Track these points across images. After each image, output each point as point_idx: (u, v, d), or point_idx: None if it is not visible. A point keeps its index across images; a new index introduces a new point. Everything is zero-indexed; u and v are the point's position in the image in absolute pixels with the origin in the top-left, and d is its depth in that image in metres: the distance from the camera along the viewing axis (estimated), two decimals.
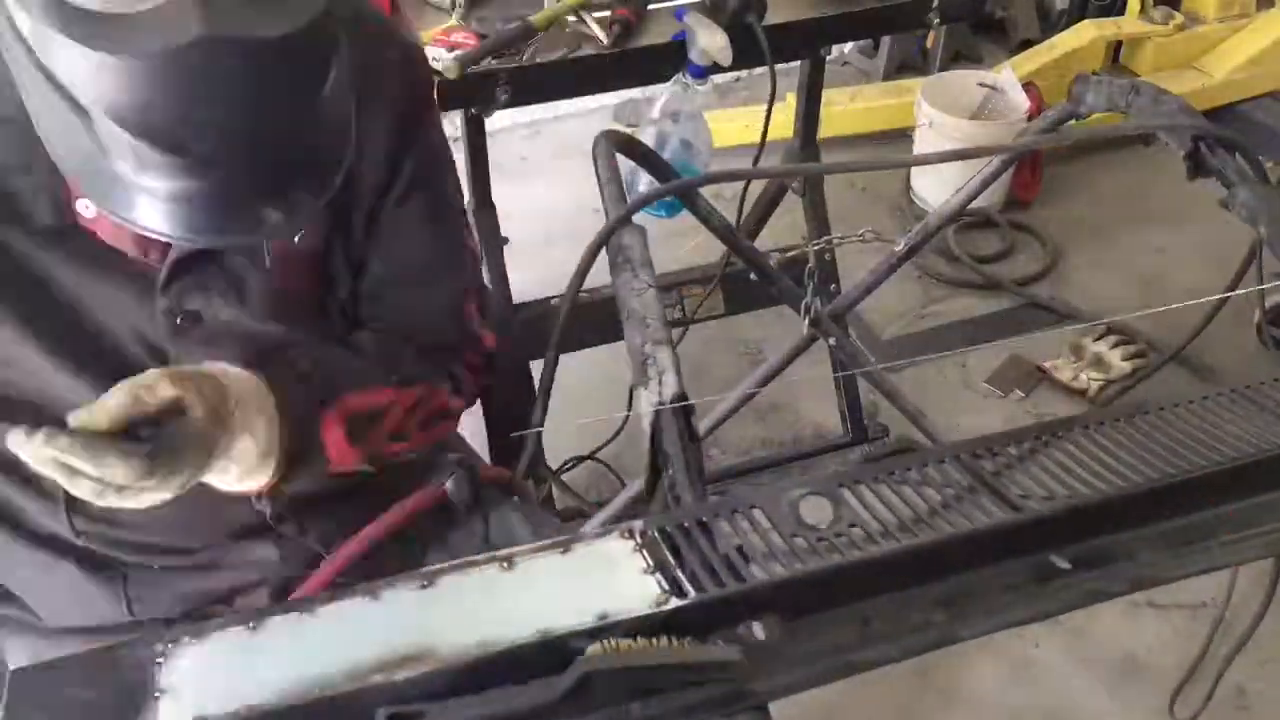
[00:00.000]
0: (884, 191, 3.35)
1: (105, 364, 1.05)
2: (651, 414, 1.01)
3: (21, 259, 1.02)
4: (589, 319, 1.64)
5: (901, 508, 0.92)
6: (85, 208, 1.01)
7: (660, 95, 1.94)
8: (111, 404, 0.91)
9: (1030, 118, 3.02)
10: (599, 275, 1.10)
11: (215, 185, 0.88)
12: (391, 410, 1.17)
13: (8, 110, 0.93)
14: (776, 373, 2.37)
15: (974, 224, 3.20)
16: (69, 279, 1.04)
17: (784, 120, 2.39)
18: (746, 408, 2.39)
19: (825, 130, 2.39)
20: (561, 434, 1.47)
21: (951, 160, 1.31)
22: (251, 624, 0.78)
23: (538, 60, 1.85)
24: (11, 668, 0.80)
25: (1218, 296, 1.74)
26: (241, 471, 1.03)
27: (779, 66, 1.87)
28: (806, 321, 2.02)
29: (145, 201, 0.88)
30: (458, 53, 1.81)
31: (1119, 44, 3.62)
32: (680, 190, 1.51)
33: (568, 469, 2.39)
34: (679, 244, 2.42)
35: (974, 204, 1.83)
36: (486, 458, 1.45)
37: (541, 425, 1.15)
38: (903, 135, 3.36)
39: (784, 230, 2.61)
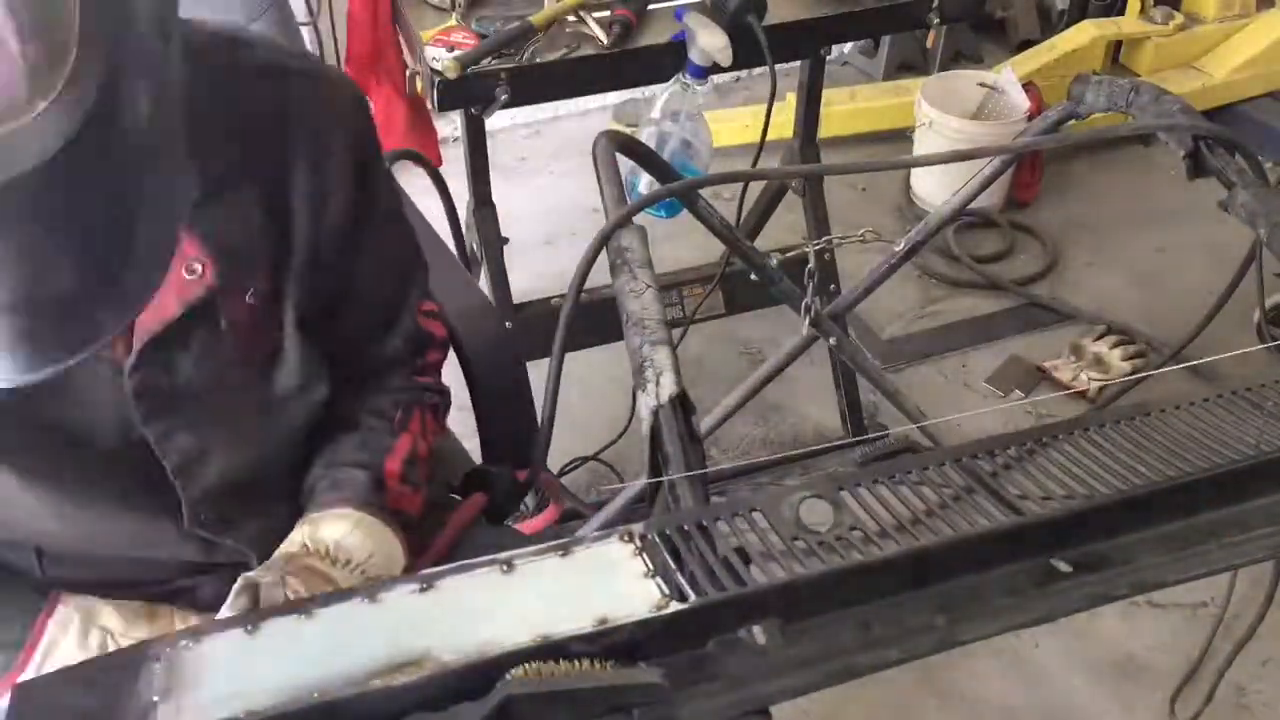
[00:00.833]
0: (884, 191, 3.35)
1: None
2: (651, 415, 1.01)
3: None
4: (589, 319, 1.63)
5: (901, 510, 0.92)
6: None
7: (660, 95, 1.94)
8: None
9: (1030, 118, 3.01)
10: (599, 275, 1.10)
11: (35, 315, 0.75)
12: (417, 447, 1.22)
13: None
14: (776, 373, 2.37)
15: (974, 224, 3.20)
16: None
17: (784, 120, 2.39)
18: (746, 408, 2.39)
19: (825, 130, 2.39)
20: (561, 434, 1.46)
21: (951, 161, 1.31)
22: (249, 626, 0.78)
23: (537, 60, 1.85)
24: None
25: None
26: None
27: (779, 66, 1.86)
28: (806, 321, 2.02)
29: None
30: (458, 53, 1.81)
31: (1119, 44, 3.61)
32: (681, 191, 1.51)
33: (571, 469, 2.39)
34: (679, 244, 2.42)
35: (974, 204, 1.83)
36: (477, 457, 1.44)
37: (549, 432, 1.15)
38: (903, 135, 3.36)
39: (784, 230, 2.61)
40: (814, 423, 2.60)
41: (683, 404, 1.02)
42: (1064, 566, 0.89)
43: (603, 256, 1.13)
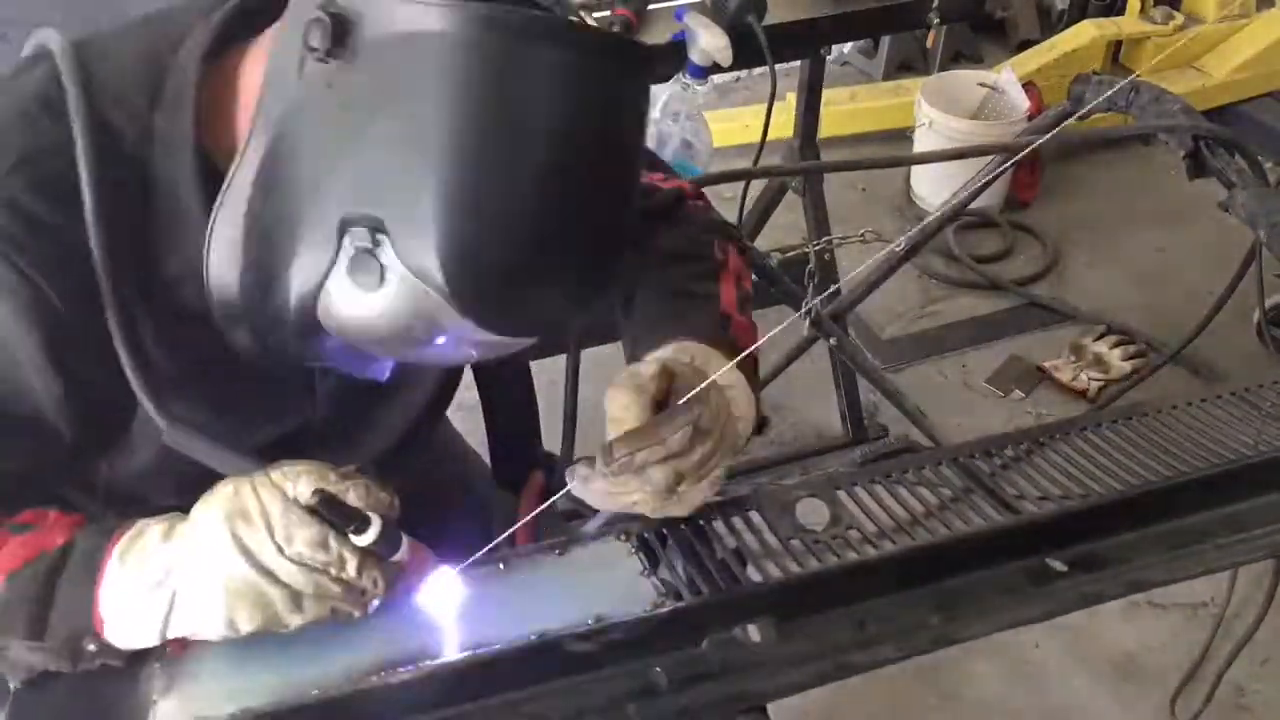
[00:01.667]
0: (884, 191, 3.35)
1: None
2: None
3: None
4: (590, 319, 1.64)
5: (898, 510, 0.92)
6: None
7: (660, 95, 1.94)
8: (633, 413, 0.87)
9: (1030, 118, 3.01)
10: None
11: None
12: (741, 278, 1.10)
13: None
14: (777, 373, 2.37)
15: (974, 224, 3.19)
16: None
17: (784, 120, 2.38)
18: None
19: (825, 130, 2.39)
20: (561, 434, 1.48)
21: (951, 159, 1.31)
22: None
23: None
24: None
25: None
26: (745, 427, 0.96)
27: (779, 66, 1.86)
28: (806, 321, 2.02)
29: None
30: None
31: (1119, 44, 3.61)
32: None
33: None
34: None
35: (974, 204, 1.83)
36: (486, 458, 1.44)
37: (572, 440, 1.13)
38: (903, 135, 3.35)
39: (784, 230, 2.61)
40: (814, 423, 2.60)
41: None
42: (1059, 566, 0.89)
43: None
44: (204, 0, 0.87)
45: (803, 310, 1.94)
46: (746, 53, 1.85)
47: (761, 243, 2.30)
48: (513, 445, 1.33)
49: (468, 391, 1.42)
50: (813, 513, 0.92)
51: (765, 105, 1.90)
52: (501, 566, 0.88)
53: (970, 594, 0.88)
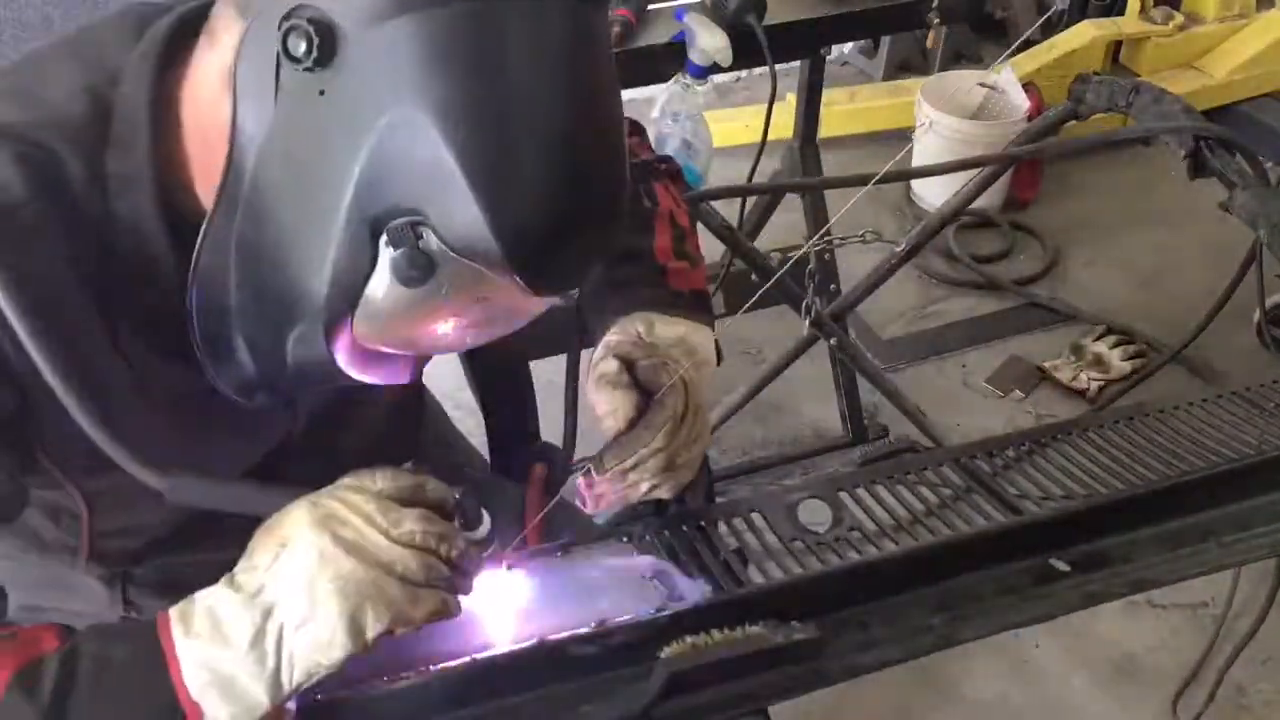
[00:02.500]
0: (884, 192, 3.34)
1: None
2: None
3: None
4: None
5: (900, 511, 0.92)
6: None
7: (660, 95, 1.94)
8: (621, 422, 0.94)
9: (1030, 118, 3.01)
10: None
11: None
12: (677, 217, 1.11)
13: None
14: (777, 373, 2.37)
15: (974, 224, 3.19)
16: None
17: (784, 120, 2.38)
18: (746, 408, 2.39)
19: (825, 130, 2.39)
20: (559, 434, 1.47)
21: (952, 170, 1.31)
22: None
23: None
24: None
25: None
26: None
27: (779, 66, 1.86)
28: (807, 321, 2.02)
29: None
30: None
31: (1119, 44, 3.61)
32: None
33: (575, 470, 2.38)
34: None
35: (974, 204, 1.83)
36: (486, 456, 1.44)
37: (573, 443, 1.13)
38: (903, 135, 3.35)
39: (784, 230, 2.61)
40: (814, 423, 2.60)
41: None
42: (1062, 566, 0.90)
43: None
44: (120, 20, 0.84)
45: (803, 310, 1.95)
46: (746, 53, 1.85)
47: (761, 243, 2.30)
48: (511, 444, 1.33)
49: (468, 392, 1.42)
50: (815, 514, 0.92)
51: (765, 105, 1.90)
52: (506, 569, 0.88)
53: (973, 594, 0.88)
